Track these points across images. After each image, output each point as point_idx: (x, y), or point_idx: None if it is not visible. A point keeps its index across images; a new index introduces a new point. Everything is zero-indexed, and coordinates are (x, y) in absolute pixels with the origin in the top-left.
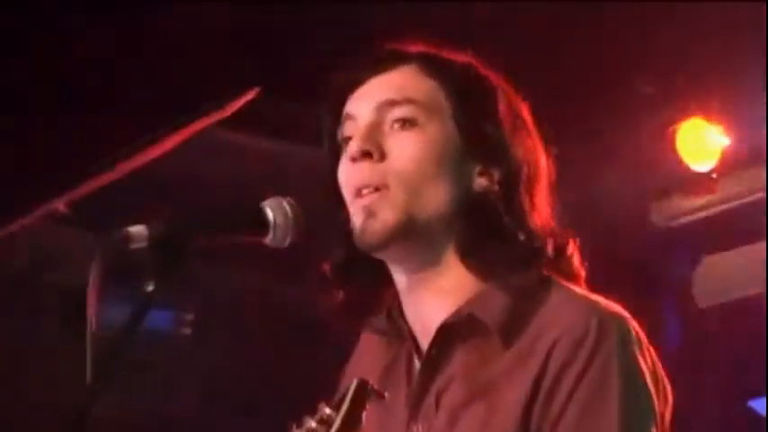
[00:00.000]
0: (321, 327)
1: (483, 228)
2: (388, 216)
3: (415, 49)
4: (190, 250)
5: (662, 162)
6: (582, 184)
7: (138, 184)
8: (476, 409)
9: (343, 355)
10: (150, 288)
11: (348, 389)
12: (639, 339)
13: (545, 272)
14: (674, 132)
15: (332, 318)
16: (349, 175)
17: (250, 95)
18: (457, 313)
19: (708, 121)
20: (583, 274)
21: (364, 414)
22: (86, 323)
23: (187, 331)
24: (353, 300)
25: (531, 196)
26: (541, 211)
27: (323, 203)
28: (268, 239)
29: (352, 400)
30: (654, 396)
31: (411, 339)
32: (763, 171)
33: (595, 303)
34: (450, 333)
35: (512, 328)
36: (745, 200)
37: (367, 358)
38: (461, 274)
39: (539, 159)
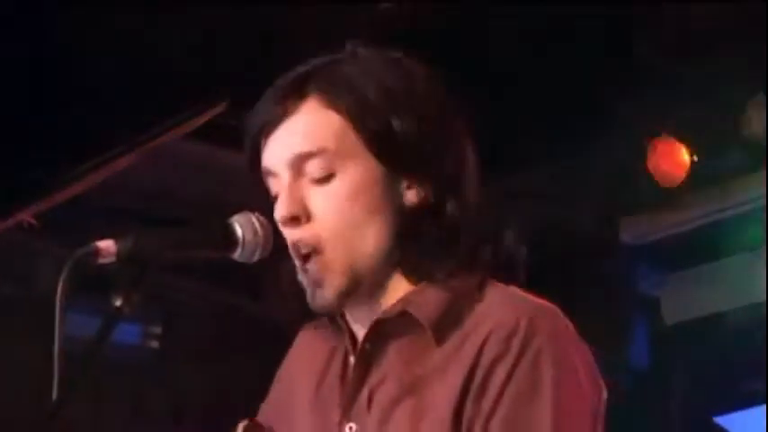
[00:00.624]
0: (289, 339)
1: (418, 241)
2: (334, 284)
3: (310, 71)
4: (158, 265)
5: (631, 179)
6: (551, 200)
7: (107, 196)
8: (407, 406)
9: None
10: (118, 303)
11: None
12: (572, 337)
13: (482, 270)
14: (644, 149)
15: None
16: (285, 233)
17: (219, 108)
18: (391, 309)
19: (677, 138)
20: (521, 272)
21: (334, 399)
22: (53, 337)
23: (155, 345)
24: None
25: (461, 196)
26: (474, 208)
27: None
28: (236, 255)
29: None
30: (588, 388)
31: (349, 335)
32: (732, 188)
33: (527, 301)
34: (383, 328)
35: (444, 325)
36: (713, 217)
37: (304, 355)
38: (402, 281)
39: (465, 156)
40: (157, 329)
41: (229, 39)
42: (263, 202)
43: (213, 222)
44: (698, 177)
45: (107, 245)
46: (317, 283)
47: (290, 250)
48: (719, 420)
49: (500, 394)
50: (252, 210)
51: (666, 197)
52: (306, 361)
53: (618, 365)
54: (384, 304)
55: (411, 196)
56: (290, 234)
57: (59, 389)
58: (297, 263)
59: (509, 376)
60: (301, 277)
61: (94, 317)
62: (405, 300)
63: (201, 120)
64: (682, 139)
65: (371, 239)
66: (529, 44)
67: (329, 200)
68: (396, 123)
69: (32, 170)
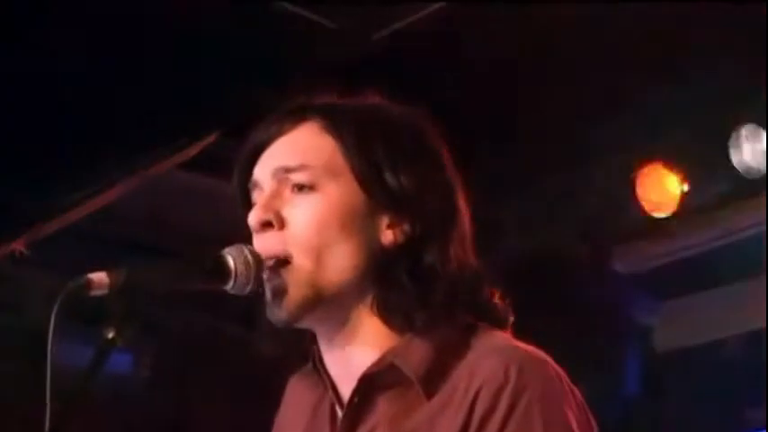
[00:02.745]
0: (279, 370)
1: (395, 284)
2: (292, 295)
3: (317, 102)
4: (150, 298)
5: (622, 208)
6: (542, 229)
7: (99, 226)
8: None
9: None
10: (110, 335)
11: None
12: (563, 383)
13: (469, 320)
14: (634, 178)
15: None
16: (256, 245)
17: (209, 139)
18: (378, 363)
19: (667, 167)
20: (510, 318)
21: None
22: (44, 365)
23: (146, 374)
24: (281, 351)
25: (445, 247)
26: (458, 259)
27: None
28: (228, 287)
29: None
30: None
31: (331, 389)
32: (723, 217)
33: (515, 350)
34: (371, 382)
35: (433, 378)
36: (705, 246)
37: (293, 407)
38: (379, 328)
39: (453, 205)
40: (149, 359)
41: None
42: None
43: (205, 255)
44: (689, 205)
45: (99, 277)
46: (279, 293)
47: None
48: None
49: None
50: (245, 242)
51: (658, 225)
52: (294, 411)
53: (610, 394)
54: (356, 345)
55: (389, 236)
56: (259, 244)
57: (51, 419)
58: (263, 274)
59: (501, 431)
60: (266, 287)
61: (87, 346)
62: (391, 352)
63: (193, 150)
64: (671, 167)
65: (341, 261)
66: (513, 69)
67: (306, 211)
68: (388, 164)
69: (24, 199)
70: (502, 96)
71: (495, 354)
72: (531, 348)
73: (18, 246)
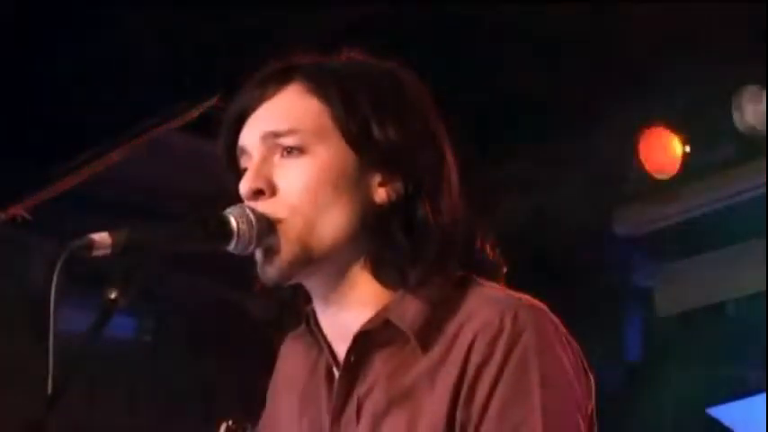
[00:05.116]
0: (279, 334)
1: (389, 241)
2: (283, 253)
3: (300, 63)
4: (153, 258)
5: (624, 170)
6: (543, 192)
7: (100, 190)
8: (398, 416)
9: None
10: (113, 296)
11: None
12: (558, 332)
13: (461, 273)
14: (636, 140)
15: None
16: None
17: (211, 102)
18: (373, 320)
19: (670, 129)
20: (503, 269)
21: (324, 411)
22: (47, 331)
23: (148, 338)
24: (276, 312)
25: (437, 201)
26: (449, 211)
27: None
28: (231, 247)
29: None
30: (576, 386)
31: (327, 349)
32: (725, 179)
33: (509, 299)
34: (367, 340)
35: (428, 332)
36: (706, 208)
37: (289, 369)
38: (373, 285)
39: (442, 157)
40: (151, 323)
41: (223, 33)
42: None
43: (208, 215)
44: (691, 168)
45: (102, 237)
46: (270, 252)
47: None
48: (713, 411)
49: (489, 398)
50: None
51: (659, 188)
52: (289, 373)
53: (611, 357)
54: (352, 304)
55: (381, 193)
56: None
57: (53, 384)
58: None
59: (497, 379)
60: (256, 251)
61: (89, 313)
62: (386, 309)
63: (194, 113)
64: (674, 130)
65: (333, 221)
66: (519, 35)
67: (296, 176)
68: (376, 123)
69: (25, 164)
70: (511, 62)
71: (489, 303)
72: (525, 296)
73: (19, 211)
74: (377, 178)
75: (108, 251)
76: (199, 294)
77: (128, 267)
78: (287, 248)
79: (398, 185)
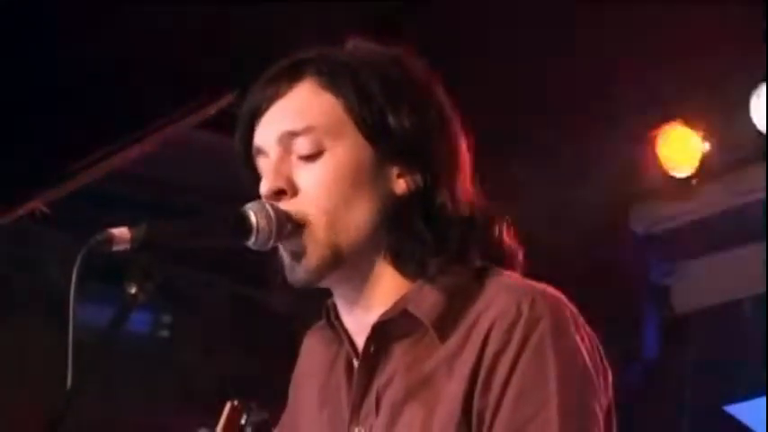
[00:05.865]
0: (296, 329)
1: (409, 231)
2: (312, 256)
3: (310, 57)
4: (172, 254)
5: (642, 168)
6: (561, 189)
7: (118, 186)
8: (416, 405)
9: None
10: (132, 290)
11: (223, 411)
12: (575, 320)
13: (479, 262)
14: (654, 138)
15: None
16: None
17: (227, 98)
18: (391, 311)
19: (688, 126)
20: (519, 257)
21: (344, 401)
22: (67, 325)
23: (165, 333)
24: (295, 309)
25: (454, 188)
26: (465, 200)
27: None
28: (251, 243)
29: (226, 422)
30: (593, 374)
31: (347, 340)
32: (743, 177)
33: (527, 287)
34: (386, 330)
35: (446, 321)
36: (725, 206)
37: (310, 362)
38: (395, 277)
39: (456, 146)
40: (168, 319)
41: (237, 29)
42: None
43: (227, 210)
44: (709, 166)
45: (121, 232)
46: (299, 255)
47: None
48: (730, 409)
49: (505, 385)
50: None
51: (677, 186)
52: (310, 367)
53: (628, 354)
54: (376, 300)
55: (401, 185)
56: None
57: (73, 378)
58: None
59: (513, 367)
60: (281, 249)
61: (108, 307)
62: (404, 299)
63: (211, 110)
64: (692, 127)
65: (356, 218)
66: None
67: (316, 176)
68: (391, 113)
69: (45, 159)
70: (527, 58)
71: (507, 291)
72: (543, 285)
73: (38, 205)
74: (395, 170)
75: (127, 246)
76: (215, 290)
77: (147, 262)
78: (316, 251)
79: (417, 176)
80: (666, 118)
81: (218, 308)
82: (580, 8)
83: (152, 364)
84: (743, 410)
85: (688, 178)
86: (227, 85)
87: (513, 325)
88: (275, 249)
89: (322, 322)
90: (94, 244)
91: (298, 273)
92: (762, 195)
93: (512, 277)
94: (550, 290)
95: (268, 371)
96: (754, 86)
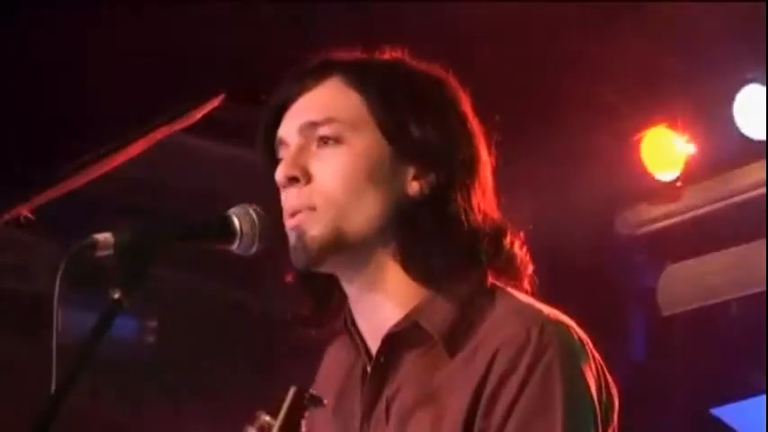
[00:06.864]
0: (284, 332)
1: (419, 233)
2: (315, 234)
3: (340, 59)
4: (156, 258)
5: (626, 170)
6: (546, 193)
7: (104, 191)
8: (422, 416)
9: (304, 358)
10: (117, 295)
11: (286, 396)
12: (583, 347)
13: (489, 276)
14: (638, 141)
15: (297, 326)
16: (283, 201)
17: (215, 102)
18: (402, 322)
19: (672, 129)
20: (528, 273)
21: (303, 422)
22: (51, 331)
23: (151, 339)
24: (312, 311)
25: (469, 197)
26: (480, 211)
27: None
28: (234, 247)
29: (290, 408)
30: (597, 406)
31: (363, 346)
32: (727, 179)
33: (538, 312)
34: (396, 341)
35: (456, 337)
36: (709, 208)
37: (329, 371)
38: (404, 280)
39: (477, 157)
40: (154, 324)
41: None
42: (263, 195)
43: (211, 214)
44: (694, 168)
45: (105, 237)
46: (301, 233)
47: (284, 215)
48: (717, 411)
49: (510, 409)
50: (250, 202)
51: (662, 188)
52: (328, 373)
53: (615, 357)
54: (387, 304)
55: (415, 186)
56: (286, 199)
57: (57, 383)
58: (287, 223)
59: (520, 391)
60: (289, 233)
61: (93, 313)
62: (416, 310)
63: (197, 114)
64: (676, 130)
65: (366, 210)
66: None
67: (331, 165)
68: (413, 119)
69: (29, 165)
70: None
71: (517, 315)
72: (554, 311)
73: (23, 211)
74: (411, 171)
75: (111, 251)
76: (202, 294)
77: (131, 267)
78: (319, 233)
79: (432, 180)
80: (650, 121)
81: (205, 312)
82: (562, 12)
83: (138, 369)
84: (729, 412)
85: (672, 181)
86: (215, 90)
87: (521, 350)
88: (266, 252)
89: (342, 338)
90: (78, 250)
91: (299, 252)
92: (746, 197)
93: (523, 299)
94: (560, 317)
95: (255, 375)
96: (738, 89)
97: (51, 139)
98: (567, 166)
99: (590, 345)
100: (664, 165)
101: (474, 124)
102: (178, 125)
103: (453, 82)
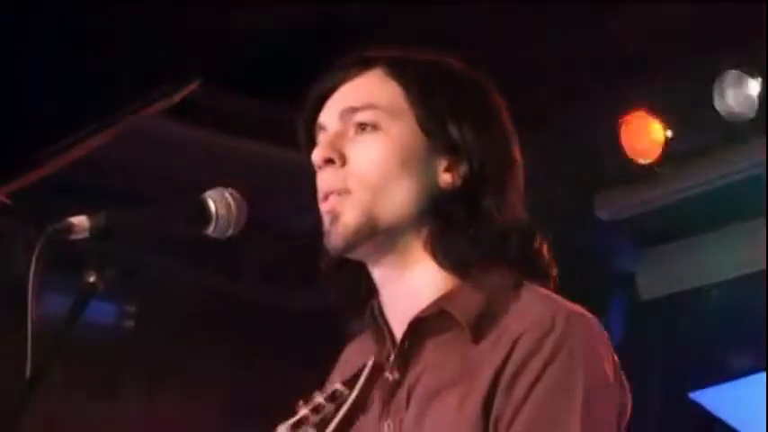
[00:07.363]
0: (262, 318)
1: (449, 224)
2: (349, 218)
3: (382, 53)
4: (131, 241)
5: (605, 155)
6: (525, 177)
7: (79, 175)
8: (443, 402)
9: (284, 345)
10: (91, 279)
11: (363, 368)
12: (605, 342)
13: (516, 271)
14: (618, 125)
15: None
16: (318, 183)
17: (191, 87)
18: (430, 308)
19: (652, 114)
20: (554, 272)
21: (376, 396)
22: (26, 316)
23: (130, 324)
24: (340, 300)
25: (500, 193)
26: (512, 211)
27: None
28: (210, 231)
29: (367, 380)
30: (617, 401)
31: (389, 335)
32: (706, 163)
33: (563, 304)
34: (422, 327)
35: (481, 324)
36: (689, 192)
37: (347, 363)
38: (433, 270)
39: (510, 155)
40: (133, 309)
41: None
42: (239, 179)
43: (186, 198)
44: (672, 152)
45: (80, 220)
46: (334, 216)
47: (319, 197)
48: (695, 395)
49: (532, 387)
50: (226, 186)
51: (641, 173)
52: (348, 359)
53: None
54: (415, 292)
55: (447, 178)
56: (321, 181)
57: (33, 368)
58: (322, 206)
59: (541, 373)
60: (324, 216)
61: (69, 296)
62: (444, 298)
63: (174, 99)
64: (655, 114)
65: (398, 197)
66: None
67: (367, 149)
68: (451, 113)
69: (6, 150)
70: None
71: (543, 303)
72: (578, 306)
73: None
74: (444, 163)
75: (86, 234)
76: (181, 278)
77: (105, 251)
78: (352, 215)
79: (465, 172)
80: (629, 106)
81: (185, 297)
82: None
83: (117, 354)
84: (708, 396)
85: (651, 165)
86: (192, 74)
87: (545, 334)
88: (246, 237)
89: (363, 335)
90: (52, 233)
91: (333, 236)
92: (726, 181)
93: (548, 292)
94: (585, 311)
95: (235, 362)
96: (717, 73)
97: (27, 125)
98: (547, 151)
99: (610, 342)
100: (643, 149)
101: (512, 129)
102: (154, 109)
103: (497, 93)
